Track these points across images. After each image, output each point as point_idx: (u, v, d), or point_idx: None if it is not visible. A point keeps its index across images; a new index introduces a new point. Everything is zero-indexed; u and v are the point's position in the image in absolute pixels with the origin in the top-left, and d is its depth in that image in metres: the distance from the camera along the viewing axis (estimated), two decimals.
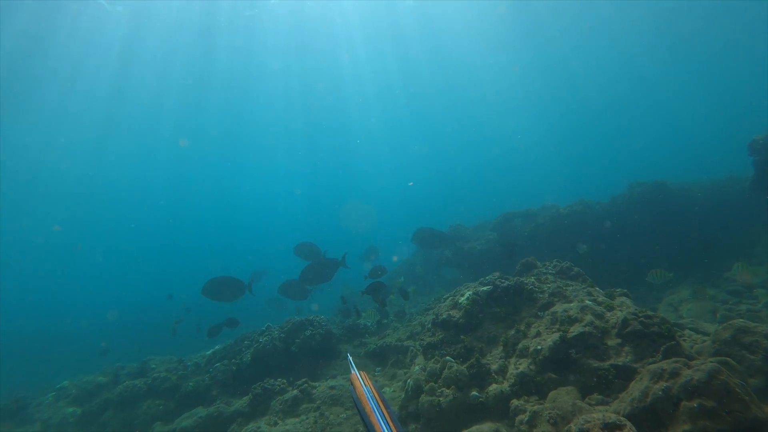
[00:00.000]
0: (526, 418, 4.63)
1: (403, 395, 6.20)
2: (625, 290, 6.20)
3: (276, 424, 6.92)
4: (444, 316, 6.66)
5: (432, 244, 11.22)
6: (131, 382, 9.81)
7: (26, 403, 10.65)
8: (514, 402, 5.19)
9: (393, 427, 1.20)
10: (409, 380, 6.12)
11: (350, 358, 1.71)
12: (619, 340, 5.12)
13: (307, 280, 8.77)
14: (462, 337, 6.32)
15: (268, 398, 7.64)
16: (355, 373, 1.53)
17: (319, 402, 7.25)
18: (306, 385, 7.56)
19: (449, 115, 41.59)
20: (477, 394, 5.58)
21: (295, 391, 7.44)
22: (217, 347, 10.66)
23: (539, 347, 5.41)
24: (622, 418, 3.32)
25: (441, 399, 5.57)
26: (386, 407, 1.30)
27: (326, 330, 9.19)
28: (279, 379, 7.90)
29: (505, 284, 6.58)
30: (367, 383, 1.44)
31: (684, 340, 4.90)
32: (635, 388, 3.89)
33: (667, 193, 12.04)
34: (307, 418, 6.76)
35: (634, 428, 3.25)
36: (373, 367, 8.23)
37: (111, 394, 9.66)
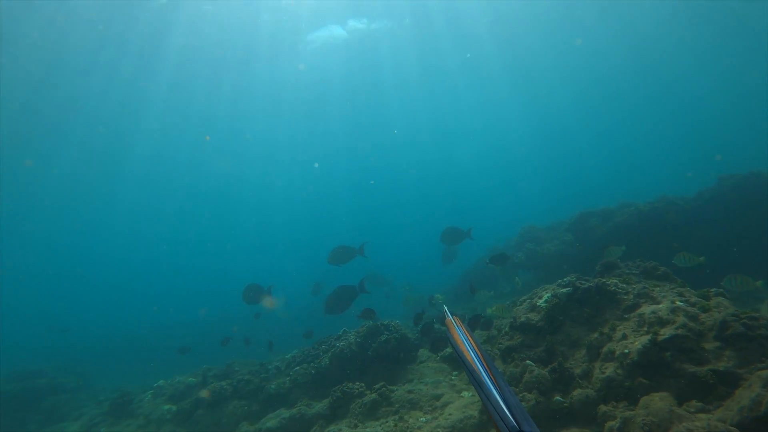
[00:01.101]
0: (617, 425, 4.43)
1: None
2: (722, 290, 5.76)
3: (356, 426, 7.05)
4: (522, 319, 6.51)
5: (456, 240, 12.44)
6: (218, 384, 10.36)
7: (130, 399, 11.59)
8: (602, 408, 4.98)
9: (485, 362, 1.22)
10: None
11: (446, 308, 1.79)
12: (718, 344, 4.78)
13: (333, 311, 9.51)
14: (548, 338, 6.14)
15: (348, 401, 7.79)
16: (450, 318, 1.61)
17: (398, 406, 7.30)
18: (384, 389, 7.64)
19: (521, 115, 40.46)
20: (561, 399, 5.41)
21: (374, 395, 7.54)
22: (295, 351, 11.04)
23: (627, 350, 5.15)
24: (731, 428, 3.09)
25: (523, 404, 5.44)
26: (479, 347, 1.33)
27: (401, 334, 9.24)
28: (357, 383, 8.04)
29: (585, 285, 6.33)
30: (460, 325, 1.50)
31: None
32: (744, 396, 3.62)
33: (764, 184, 11.04)
34: (386, 422, 6.82)
35: None
36: (450, 371, 8.18)
37: (201, 394, 10.26)
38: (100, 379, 16.69)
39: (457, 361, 8.31)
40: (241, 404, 9.80)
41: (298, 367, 9.81)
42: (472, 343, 1.36)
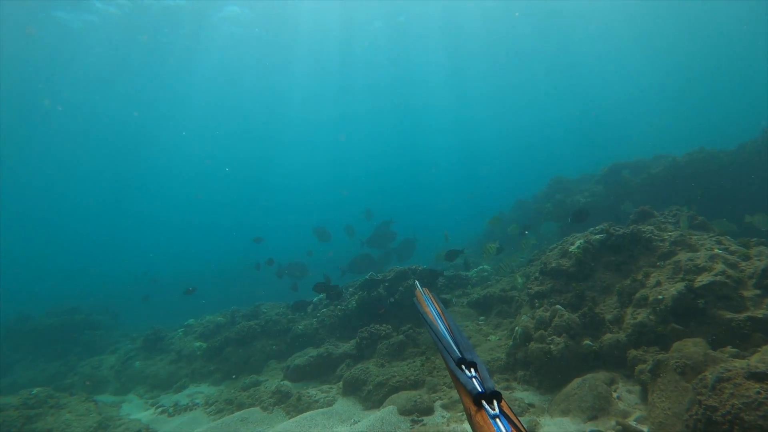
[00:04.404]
0: (648, 367, 4.44)
1: (511, 343, 6.19)
2: (763, 240, 5.61)
3: (383, 365, 7.24)
4: (553, 265, 6.48)
5: (404, 254, 15.80)
6: (247, 323, 10.69)
7: (162, 336, 12.10)
8: (633, 352, 5.00)
9: (443, 316, 1.37)
10: (517, 328, 6.08)
11: (417, 283, 1.93)
12: (757, 291, 4.69)
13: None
14: (573, 285, 6.13)
15: (374, 342, 7.97)
16: (420, 289, 1.76)
17: (425, 347, 7.45)
18: (411, 330, 7.79)
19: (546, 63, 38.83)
20: (590, 342, 5.44)
21: (401, 336, 7.69)
22: (323, 294, 11.27)
23: (661, 297, 5.10)
24: None
25: (552, 347, 5.49)
26: (440, 306, 1.50)
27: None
28: (384, 325, 8.21)
29: (620, 232, 6.23)
30: (427, 294, 1.67)
31: None
32: None
33: None
34: (413, 362, 6.99)
35: None
36: (476, 316, 8.28)
37: (230, 332, 10.61)
38: (132, 319, 17.40)
39: (484, 306, 8.42)
40: (269, 343, 10.13)
41: (325, 309, 10.04)
42: (435, 303, 1.53)
